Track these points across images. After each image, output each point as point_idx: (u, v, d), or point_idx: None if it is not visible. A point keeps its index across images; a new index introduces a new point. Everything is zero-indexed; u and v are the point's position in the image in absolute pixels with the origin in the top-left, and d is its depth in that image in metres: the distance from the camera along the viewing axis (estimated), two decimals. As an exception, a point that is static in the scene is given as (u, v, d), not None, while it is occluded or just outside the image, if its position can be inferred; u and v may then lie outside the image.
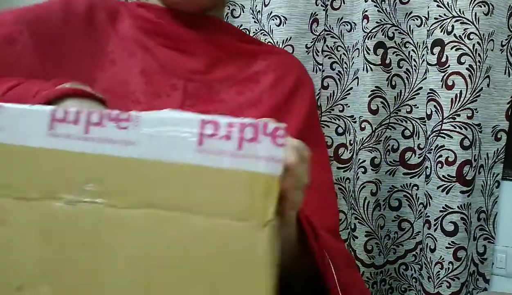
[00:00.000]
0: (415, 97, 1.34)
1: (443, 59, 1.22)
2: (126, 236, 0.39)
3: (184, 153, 0.40)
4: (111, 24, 0.82)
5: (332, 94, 1.42)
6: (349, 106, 1.42)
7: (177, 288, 0.39)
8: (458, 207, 1.22)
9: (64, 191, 0.39)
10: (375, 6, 1.30)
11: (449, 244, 1.22)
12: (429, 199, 1.26)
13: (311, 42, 1.39)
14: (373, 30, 1.30)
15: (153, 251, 0.39)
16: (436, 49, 1.23)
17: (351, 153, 1.41)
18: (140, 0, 0.89)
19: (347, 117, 1.42)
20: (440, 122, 1.22)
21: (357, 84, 1.38)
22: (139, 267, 0.39)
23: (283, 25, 1.37)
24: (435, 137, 1.24)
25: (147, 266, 0.39)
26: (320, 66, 1.40)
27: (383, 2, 1.30)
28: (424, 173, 1.30)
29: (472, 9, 1.18)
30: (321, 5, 1.39)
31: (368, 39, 1.31)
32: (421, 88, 1.33)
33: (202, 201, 0.39)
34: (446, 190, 1.22)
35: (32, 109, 0.42)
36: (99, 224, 0.39)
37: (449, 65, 1.21)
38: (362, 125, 1.33)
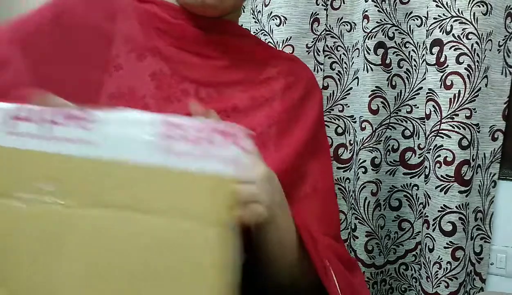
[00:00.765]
0: (415, 97, 1.34)
1: (442, 59, 1.22)
2: (83, 236, 0.39)
3: (143, 154, 0.40)
4: (112, 23, 0.77)
5: (332, 94, 1.43)
6: (349, 106, 1.42)
7: (132, 289, 0.39)
8: (456, 207, 1.21)
9: (22, 190, 0.39)
10: (375, 6, 1.30)
11: (447, 244, 1.22)
12: (428, 198, 1.26)
13: (312, 42, 1.39)
14: (373, 30, 1.30)
15: (110, 251, 0.39)
16: (435, 49, 1.23)
17: (351, 153, 1.41)
18: None
19: (347, 117, 1.42)
20: (439, 122, 1.22)
21: (357, 84, 1.38)
22: (96, 268, 0.39)
23: (283, 25, 1.38)
24: (434, 137, 1.24)
25: (104, 266, 0.39)
26: (321, 66, 1.40)
27: (383, 2, 1.30)
28: (424, 173, 1.29)
29: (471, 9, 1.18)
30: (322, 5, 1.39)
31: (368, 39, 1.31)
32: (421, 88, 1.33)
33: (157, 201, 0.39)
34: (445, 189, 1.22)
35: None
36: (57, 225, 0.39)
37: (447, 65, 1.21)
38: (363, 125, 1.33)
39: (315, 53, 1.40)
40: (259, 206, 0.48)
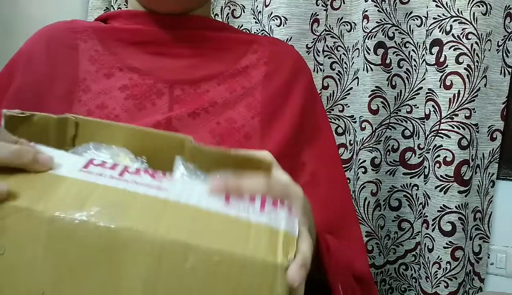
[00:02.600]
0: (415, 97, 1.34)
1: (442, 59, 1.22)
2: (141, 257, 0.39)
3: (205, 201, 0.42)
4: (75, 51, 0.76)
5: (332, 94, 1.43)
6: (349, 106, 1.42)
7: None
8: (455, 207, 1.22)
9: (76, 210, 0.39)
10: (375, 6, 1.30)
11: (446, 244, 1.22)
12: (427, 198, 1.26)
13: (312, 42, 1.39)
14: (373, 30, 1.31)
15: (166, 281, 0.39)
16: (435, 49, 1.23)
17: (351, 153, 1.41)
18: (105, 13, 0.85)
19: (346, 117, 1.42)
20: (438, 122, 1.22)
21: (357, 84, 1.38)
22: (152, 290, 0.39)
23: (283, 26, 1.38)
24: (433, 137, 1.24)
25: (160, 290, 0.39)
26: (321, 66, 1.41)
27: (383, 2, 1.30)
28: (423, 173, 1.30)
29: (470, 9, 1.18)
30: (322, 5, 1.39)
31: (368, 39, 1.31)
32: (421, 88, 1.33)
33: (217, 243, 0.39)
34: (444, 189, 1.22)
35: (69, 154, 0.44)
36: (112, 243, 0.38)
37: (447, 65, 1.21)
38: (363, 125, 1.33)
39: (315, 54, 1.40)
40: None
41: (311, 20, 1.39)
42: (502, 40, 1.26)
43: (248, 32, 1.47)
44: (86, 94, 0.72)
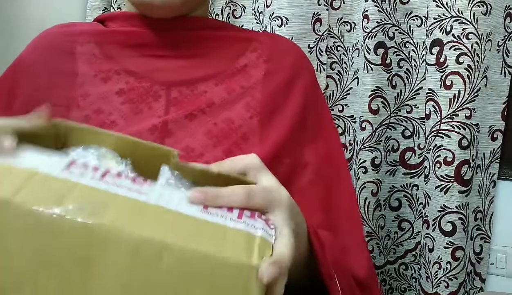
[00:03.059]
0: (415, 97, 1.34)
1: (442, 59, 1.22)
2: (117, 255, 0.39)
3: (184, 207, 0.42)
4: (71, 54, 0.75)
5: (332, 94, 1.43)
6: (348, 106, 1.42)
7: None
8: (456, 207, 1.22)
9: (54, 206, 0.39)
10: (375, 6, 1.30)
11: (447, 244, 1.22)
12: (428, 198, 1.26)
13: (314, 42, 1.39)
14: (373, 30, 1.31)
15: (144, 279, 0.39)
16: (435, 49, 1.23)
17: (351, 153, 1.41)
18: (103, 14, 0.85)
19: (346, 117, 1.42)
20: (439, 122, 1.22)
21: (357, 84, 1.38)
22: (127, 288, 0.39)
23: (284, 26, 1.37)
24: (434, 137, 1.24)
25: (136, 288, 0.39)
26: (324, 66, 1.40)
27: (383, 2, 1.30)
28: (423, 173, 1.30)
29: (471, 9, 1.18)
30: (324, 5, 1.39)
31: (368, 39, 1.31)
32: (421, 88, 1.33)
33: (195, 243, 0.40)
34: (445, 189, 1.22)
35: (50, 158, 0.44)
36: (89, 239, 0.38)
37: (447, 65, 1.21)
38: (363, 125, 1.33)
39: (318, 54, 1.39)
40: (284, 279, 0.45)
41: (313, 20, 1.38)
42: (502, 40, 1.27)
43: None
44: (85, 99, 0.72)
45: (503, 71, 1.28)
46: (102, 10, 1.56)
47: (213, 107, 0.72)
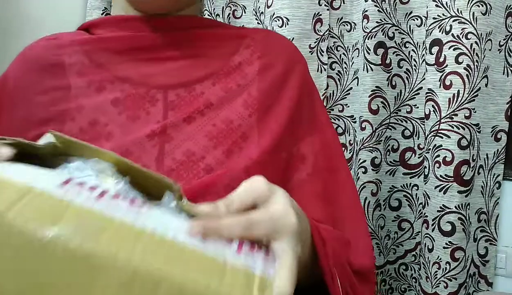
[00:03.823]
0: (415, 97, 1.34)
1: (441, 59, 1.22)
2: (111, 284, 0.37)
3: (192, 240, 0.41)
4: (60, 68, 0.73)
5: (332, 94, 1.43)
6: (348, 106, 1.42)
7: None
8: (455, 207, 1.21)
9: (47, 226, 0.37)
10: (375, 6, 1.30)
11: (446, 244, 1.22)
12: (427, 198, 1.26)
13: (315, 42, 1.39)
14: (373, 30, 1.31)
15: None
16: (435, 49, 1.23)
17: (351, 153, 1.41)
18: (90, 21, 0.81)
19: (346, 117, 1.42)
20: (438, 122, 1.22)
21: (357, 84, 1.38)
22: None
23: (285, 26, 1.38)
24: (433, 137, 1.23)
25: None
26: (325, 66, 1.40)
27: (383, 2, 1.30)
28: (423, 173, 1.29)
29: (470, 9, 1.18)
30: (325, 5, 1.39)
31: (368, 39, 1.31)
32: (421, 88, 1.33)
33: (187, 274, 0.38)
34: (444, 189, 1.22)
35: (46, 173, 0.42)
36: (83, 266, 0.37)
37: (447, 65, 1.21)
38: (363, 125, 1.33)
39: (319, 54, 1.39)
40: None
41: (314, 20, 1.38)
42: (504, 40, 1.26)
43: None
44: (80, 112, 0.70)
45: (505, 71, 1.27)
46: (102, 10, 1.57)
47: (211, 108, 0.71)
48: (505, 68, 1.27)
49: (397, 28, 1.33)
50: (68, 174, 0.43)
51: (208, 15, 1.53)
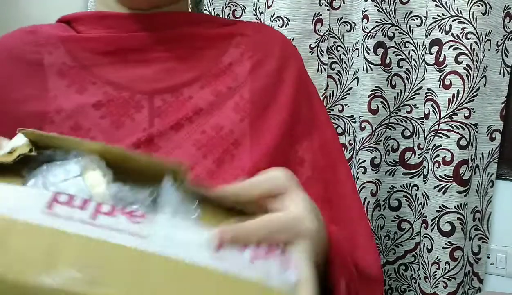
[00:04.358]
0: (415, 97, 1.34)
1: (441, 59, 1.21)
2: None
3: (193, 253, 0.37)
4: (39, 66, 0.67)
5: (331, 94, 1.43)
6: (348, 106, 1.42)
7: None
8: (455, 207, 1.21)
9: (43, 272, 0.32)
10: (375, 6, 1.30)
11: (445, 244, 1.22)
12: (426, 198, 1.26)
13: (315, 43, 1.39)
14: (373, 30, 1.30)
15: None
16: (434, 49, 1.23)
17: (351, 153, 1.41)
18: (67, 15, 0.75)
19: (346, 117, 1.42)
20: (438, 122, 1.22)
21: (357, 84, 1.38)
22: None
23: (285, 26, 1.38)
24: (433, 137, 1.23)
25: None
26: (325, 66, 1.40)
27: (383, 2, 1.30)
28: (423, 173, 1.29)
29: (470, 9, 1.18)
30: (325, 5, 1.39)
31: (368, 39, 1.31)
32: (421, 88, 1.33)
33: None
34: (443, 189, 1.22)
35: (28, 191, 0.37)
36: None
37: (446, 65, 1.21)
38: (362, 125, 1.33)
39: (319, 54, 1.39)
40: None
41: (314, 20, 1.38)
42: (501, 40, 1.26)
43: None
44: (59, 114, 0.65)
45: (502, 71, 1.27)
46: (103, 10, 1.57)
47: (200, 114, 0.67)
48: (502, 68, 1.27)
49: (397, 28, 1.33)
50: (52, 187, 0.38)
51: (208, 15, 1.53)
